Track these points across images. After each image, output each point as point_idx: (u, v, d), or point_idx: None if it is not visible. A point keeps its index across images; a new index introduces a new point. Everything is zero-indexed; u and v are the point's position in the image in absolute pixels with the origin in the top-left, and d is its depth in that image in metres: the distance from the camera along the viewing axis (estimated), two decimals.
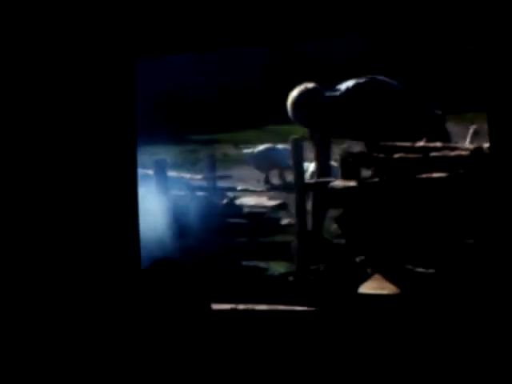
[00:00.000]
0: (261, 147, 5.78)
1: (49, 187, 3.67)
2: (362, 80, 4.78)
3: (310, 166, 5.14)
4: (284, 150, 5.66)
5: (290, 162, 5.09)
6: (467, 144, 4.37)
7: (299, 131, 5.15)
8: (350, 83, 4.80)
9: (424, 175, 4.16)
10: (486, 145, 4.11)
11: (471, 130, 4.58)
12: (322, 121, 4.88)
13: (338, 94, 4.82)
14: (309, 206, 4.70)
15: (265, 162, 5.86)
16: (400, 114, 4.64)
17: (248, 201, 5.25)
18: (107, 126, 3.73)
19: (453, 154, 4.10)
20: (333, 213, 4.60)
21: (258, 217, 5.09)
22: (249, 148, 5.78)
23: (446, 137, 4.54)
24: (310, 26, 3.85)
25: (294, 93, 4.97)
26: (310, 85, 4.94)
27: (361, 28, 3.84)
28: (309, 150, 4.94)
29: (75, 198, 3.68)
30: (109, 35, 3.73)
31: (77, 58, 3.74)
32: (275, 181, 5.93)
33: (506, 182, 3.14)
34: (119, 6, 3.75)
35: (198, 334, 2.17)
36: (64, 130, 3.73)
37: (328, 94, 4.85)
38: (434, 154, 4.20)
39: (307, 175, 5.03)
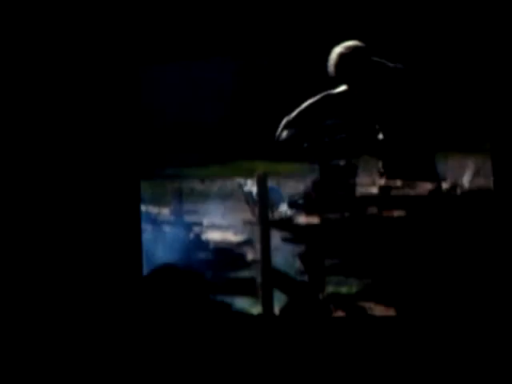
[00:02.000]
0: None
1: (52, 193, 3.70)
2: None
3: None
4: (278, 189, 5.61)
5: (283, 205, 5.08)
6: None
7: (262, 167, 5.20)
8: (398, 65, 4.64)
9: (384, 213, 4.24)
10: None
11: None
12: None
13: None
14: (273, 242, 4.75)
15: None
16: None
17: (214, 236, 5.28)
18: (110, 132, 3.76)
19: (413, 192, 4.18)
20: (297, 249, 4.65)
21: (223, 252, 5.12)
22: (243, 184, 5.74)
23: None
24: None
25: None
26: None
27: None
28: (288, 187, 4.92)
29: (78, 205, 3.71)
30: (111, 44, 3.77)
31: (80, 67, 3.77)
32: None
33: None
34: (121, 16, 3.79)
35: (198, 336, 2.20)
36: (67, 136, 3.76)
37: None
38: (394, 192, 4.27)
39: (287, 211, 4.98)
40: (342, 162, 4.67)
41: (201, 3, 4.03)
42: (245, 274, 4.99)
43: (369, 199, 4.39)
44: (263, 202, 4.99)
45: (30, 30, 3.92)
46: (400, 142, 4.51)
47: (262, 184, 5.06)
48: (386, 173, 4.47)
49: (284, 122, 4.84)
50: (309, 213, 4.56)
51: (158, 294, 2.22)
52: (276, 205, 5.74)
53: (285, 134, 4.88)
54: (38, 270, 3.77)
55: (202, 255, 5.44)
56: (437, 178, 4.47)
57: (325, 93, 4.71)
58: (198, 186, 6.42)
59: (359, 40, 4.55)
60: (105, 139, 3.83)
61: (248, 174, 5.62)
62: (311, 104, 4.73)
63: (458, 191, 4.16)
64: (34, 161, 3.84)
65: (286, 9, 4.09)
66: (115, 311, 3.50)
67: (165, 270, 2.28)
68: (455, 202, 4.14)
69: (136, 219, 3.85)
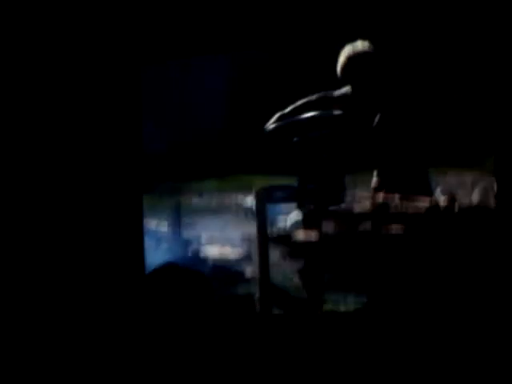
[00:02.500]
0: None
1: (54, 193, 3.69)
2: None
3: (290, 217, 5.04)
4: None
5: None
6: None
7: (261, 181, 5.19)
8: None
9: (383, 229, 4.23)
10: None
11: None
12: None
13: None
14: (272, 258, 4.74)
15: None
16: None
17: (212, 251, 5.27)
18: (111, 132, 3.76)
19: (411, 209, 4.17)
20: (296, 265, 4.64)
21: (221, 268, 5.11)
22: (246, 201, 5.68)
23: None
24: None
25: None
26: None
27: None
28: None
29: (80, 204, 3.71)
30: (113, 43, 3.77)
31: (81, 66, 3.76)
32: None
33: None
34: (122, 15, 3.78)
35: (202, 337, 2.18)
36: (69, 136, 3.75)
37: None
38: (392, 208, 4.27)
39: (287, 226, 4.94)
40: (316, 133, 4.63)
41: (200, 2, 4.01)
42: (243, 290, 4.99)
43: (367, 215, 4.38)
44: (262, 218, 4.98)
45: (30, 29, 3.92)
46: (397, 150, 4.50)
47: (260, 199, 5.05)
48: (381, 179, 4.49)
49: (277, 115, 4.81)
50: (307, 228, 4.54)
51: (160, 292, 2.22)
52: (276, 220, 5.71)
53: (273, 126, 4.84)
54: (40, 270, 3.77)
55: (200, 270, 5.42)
56: (430, 191, 4.51)
57: (323, 93, 4.69)
58: (196, 200, 6.41)
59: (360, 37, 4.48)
60: (106, 140, 3.82)
61: (247, 189, 5.61)
62: (307, 102, 4.71)
63: (457, 206, 4.15)
64: (35, 162, 3.84)
65: (285, 7, 4.07)
66: (117, 309, 3.51)
67: (166, 268, 2.28)
68: (454, 217, 4.13)
69: (138, 218, 3.85)
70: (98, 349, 3.54)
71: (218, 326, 2.23)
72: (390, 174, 4.51)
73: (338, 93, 4.62)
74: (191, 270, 2.24)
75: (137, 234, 3.86)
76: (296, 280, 4.59)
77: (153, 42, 4.00)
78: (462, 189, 4.31)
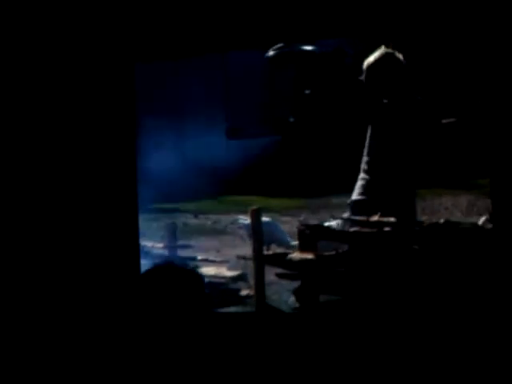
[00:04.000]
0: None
1: (49, 191, 3.70)
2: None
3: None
4: (274, 222, 5.53)
5: (291, 241, 5.14)
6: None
7: (256, 202, 5.24)
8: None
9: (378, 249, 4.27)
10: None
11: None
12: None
13: None
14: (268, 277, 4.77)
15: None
16: None
17: (208, 271, 5.30)
18: (106, 129, 3.78)
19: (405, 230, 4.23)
20: (291, 285, 4.67)
21: (217, 287, 5.14)
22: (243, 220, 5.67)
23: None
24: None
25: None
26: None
27: None
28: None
29: (75, 203, 3.72)
30: (107, 40, 3.79)
31: (75, 63, 3.78)
32: None
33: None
34: (117, 11, 3.80)
35: (199, 337, 2.20)
36: (63, 133, 3.77)
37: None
38: (387, 228, 4.31)
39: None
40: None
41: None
42: (238, 309, 5.01)
43: (361, 235, 4.42)
44: (257, 237, 5.01)
45: (27, 27, 3.94)
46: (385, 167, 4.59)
47: (255, 219, 5.09)
48: (369, 172, 4.65)
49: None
50: (303, 249, 4.58)
51: (155, 291, 2.25)
52: (275, 239, 5.71)
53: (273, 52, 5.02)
54: (38, 269, 3.79)
55: None
56: (413, 212, 4.63)
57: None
58: (191, 220, 6.46)
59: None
60: (103, 137, 3.84)
61: (242, 209, 5.65)
62: None
63: (452, 227, 4.19)
64: (32, 162, 3.86)
65: (285, 7, 4.09)
66: (112, 308, 3.53)
67: (162, 267, 2.31)
68: (450, 238, 4.17)
69: (133, 218, 3.85)
70: (95, 348, 3.56)
71: (211, 323, 2.26)
72: (376, 190, 4.63)
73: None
74: (185, 268, 2.29)
75: (132, 235, 3.87)
76: (292, 300, 4.62)
77: (149, 40, 4.01)
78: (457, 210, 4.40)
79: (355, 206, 4.70)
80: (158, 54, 4.12)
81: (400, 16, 3.71)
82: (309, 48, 4.89)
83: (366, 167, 4.71)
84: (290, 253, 4.67)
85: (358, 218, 4.48)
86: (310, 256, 4.52)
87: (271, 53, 4.91)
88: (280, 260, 4.70)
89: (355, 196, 4.74)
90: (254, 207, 5.14)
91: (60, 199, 3.71)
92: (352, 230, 4.47)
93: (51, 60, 3.80)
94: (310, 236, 4.59)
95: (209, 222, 5.81)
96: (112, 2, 3.81)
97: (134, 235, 3.84)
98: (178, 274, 2.26)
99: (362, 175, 4.74)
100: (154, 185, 5.19)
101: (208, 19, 3.86)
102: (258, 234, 5.01)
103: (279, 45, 4.91)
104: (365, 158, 4.72)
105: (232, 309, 4.88)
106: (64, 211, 3.70)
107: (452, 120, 4.15)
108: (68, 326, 3.59)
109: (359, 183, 4.75)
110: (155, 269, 2.28)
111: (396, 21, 3.75)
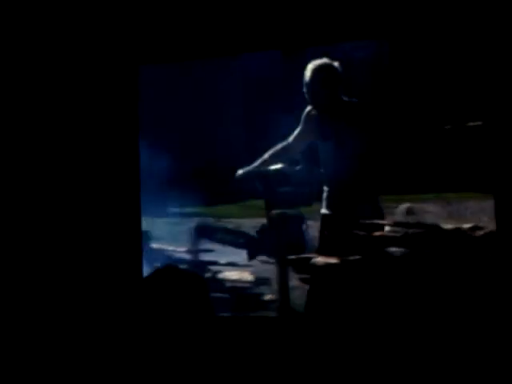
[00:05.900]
0: None
1: (52, 192, 3.71)
2: None
3: None
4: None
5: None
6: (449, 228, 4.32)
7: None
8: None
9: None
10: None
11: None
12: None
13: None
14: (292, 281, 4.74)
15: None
16: None
17: (230, 275, 5.28)
18: (110, 130, 3.77)
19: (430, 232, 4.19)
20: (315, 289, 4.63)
21: (240, 292, 5.11)
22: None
23: None
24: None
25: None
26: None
27: None
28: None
29: (78, 205, 3.72)
30: (111, 43, 3.79)
31: (79, 65, 3.78)
32: None
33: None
34: (121, 14, 3.81)
35: (200, 340, 2.19)
36: (67, 135, 3.77)
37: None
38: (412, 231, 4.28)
39: None
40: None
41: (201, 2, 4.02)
42: (261, 313, 4.98)
43: (386, 239, 4.39)
44: (280, 241, 4.99)
45: (28, 29, 3.95)
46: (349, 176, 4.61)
47: (278, 223, 5.06)
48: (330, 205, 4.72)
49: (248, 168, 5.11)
50: (325, 253, 4.56)
51: (158, 294, 2.24)
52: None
53: (241, 174, 5.15)
54: (41, 271, 3.79)
55: (218, 295, 5.44)
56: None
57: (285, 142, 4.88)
58: (214, 224, 6.43)
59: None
60: (106, 139, 3.83)
61: (260, 214, 5.63)
62: (272, 154, 5.00)
63: (479, 233, 4.15)
64: (37, 163, 3.85)
65: (286, 9, 4.07)
66: (114, 311, 3.52)
67: (165, 270, 2.30)
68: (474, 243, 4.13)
69: (136, 220, 3.85)
70: (97, 349, 3.55)
71: (213, 327, 2.24)
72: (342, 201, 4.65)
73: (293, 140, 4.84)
74: (188, 272, 2.28)
75: (135, 236, 3.86)
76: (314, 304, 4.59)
77: (154, 41, 4.00)
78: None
79: (324, 220, 4.82)
80: (163, 57, 4.12)
81: (400, 18, 3.70)
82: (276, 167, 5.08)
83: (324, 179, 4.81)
84: (313, 257, 4.65)
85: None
86: (333, 260, 4.49)
87: (239, 174, 5.14)
88: (304, 264, 4.68)
89: (323, 210, 4.85)
90: (277, 211, 5.12)
91: (62, 201, 3.70)
92: (377, 234, 4.44)
93: (55, 62, 3.80)
94: (331, 239, 4.58)
95: (230, 226, 5.78)
96: (118, 5, 3.81)
97: (137, 237, 3.84)
98: (179, 277, 2.25)
99: (324, 187, 4.85)
100: (176, 188, 5.17)
101: (208, 20, 3.84)
102: (281, 239, 4.99)
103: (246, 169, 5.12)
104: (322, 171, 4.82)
105: (255, 314, 4.87)
106: (67, 213, 3.70)
107: (478, 123, 4.11)
108: (70, 328, 3.59)
109: (323, 195, 4.86)
110: (156, 272, 2.26)
111: (396, 23, 3.75)
